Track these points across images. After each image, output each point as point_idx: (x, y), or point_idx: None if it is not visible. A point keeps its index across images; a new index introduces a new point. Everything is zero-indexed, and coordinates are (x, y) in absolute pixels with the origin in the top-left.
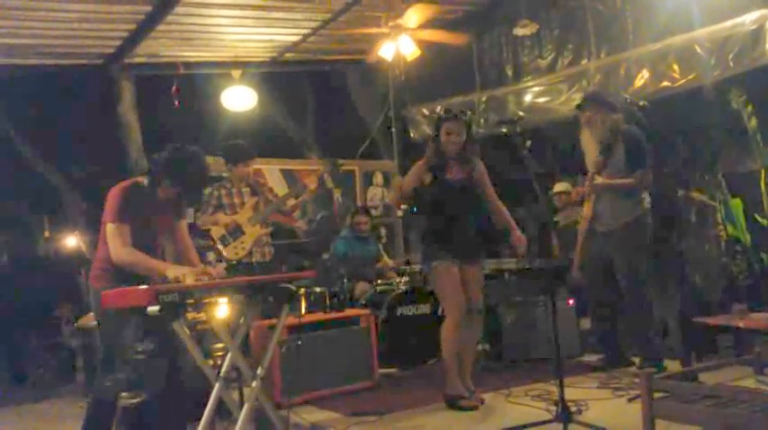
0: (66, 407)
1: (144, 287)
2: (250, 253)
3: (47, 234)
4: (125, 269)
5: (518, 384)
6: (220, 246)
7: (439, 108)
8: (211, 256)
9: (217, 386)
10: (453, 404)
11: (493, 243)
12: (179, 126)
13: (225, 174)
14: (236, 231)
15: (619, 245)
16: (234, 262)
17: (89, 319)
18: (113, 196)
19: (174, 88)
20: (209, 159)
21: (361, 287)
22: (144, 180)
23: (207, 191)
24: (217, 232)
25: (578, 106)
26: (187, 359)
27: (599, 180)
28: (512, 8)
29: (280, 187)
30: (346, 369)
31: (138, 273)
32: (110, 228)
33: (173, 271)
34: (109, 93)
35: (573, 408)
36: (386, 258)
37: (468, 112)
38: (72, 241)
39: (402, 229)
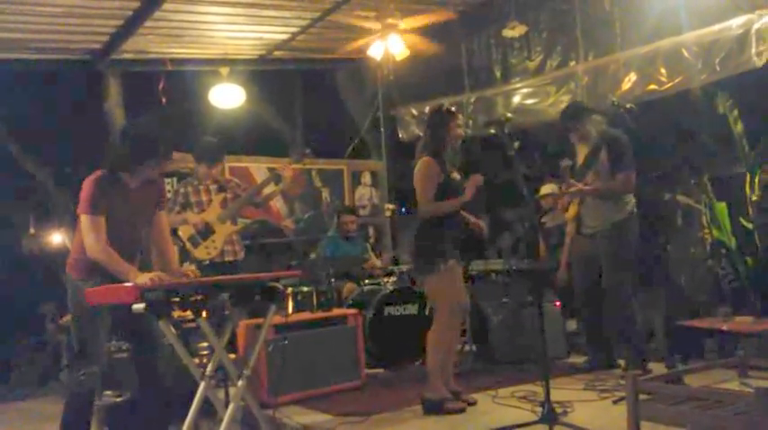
0: (49, 405)
1: (129, 284)
2: (222, 252)
3: (32, 231)
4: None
5: (504, 385)
6: (190, 247)
7: (427, 108)
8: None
9: (202, 385)
10: (437, 408)
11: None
12: (166, 123)
13: (185, 170)
14: (205, 230)
15: (602, 248)
16: (206, 262)
17: None
18: (86, 186)
19: (160, 85)
20: (177, 155)
21: (350, 287)
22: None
23: (173, 188)
24: (185, 232)
25: (566, 128)
26: (164, 357)
27: (575, 186)
28: (501, 10)
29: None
30: (333, 369)
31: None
32: (83, 219)
33: (141, 278)
34: (95, 89)
35: (559, 410)
36: (373, 258)
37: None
38: (57, 238)
39: (390, 230)
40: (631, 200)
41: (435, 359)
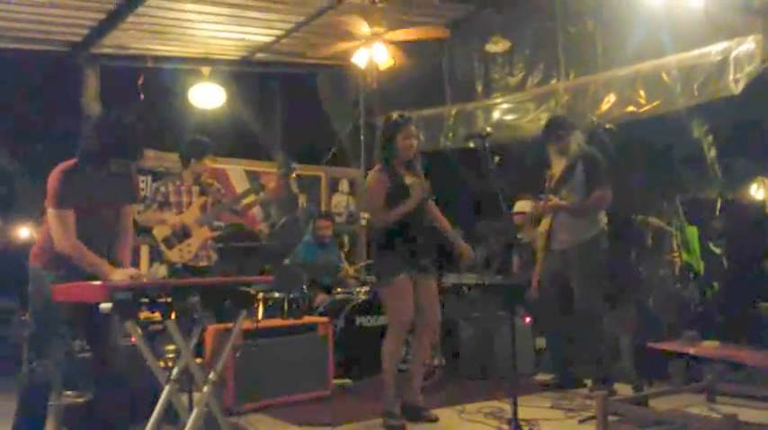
0: (5, 403)
1: (98, 283)
2: (196, 256)
3: None
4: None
5: (472, 400)
6: (164, 248)
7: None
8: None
9: (167, 389)
10: (384, 420)
11: (447, 256)
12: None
13: (160, 169)
14: (182, 233)
15: (573, 264)
16: (179, 265)
17: None
18: (53, 179)
19: (140, 81)
20: (153, 154)
21: (322, 297)
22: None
23: (148, 186)
24: (161, 232)
25: (550, 138)
26: (122, 357)
27: (553, 201)
28: (485, 24)
29: (243, 188)
30: (301, 377)
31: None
32: (51, 213)
33: (117, 275)
34: (73, 82)
35: (525, 428)
36: (346, 266)
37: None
38: (24, 232)
39: (366, 239)
40: (603, 217)
41: (385, 369)
